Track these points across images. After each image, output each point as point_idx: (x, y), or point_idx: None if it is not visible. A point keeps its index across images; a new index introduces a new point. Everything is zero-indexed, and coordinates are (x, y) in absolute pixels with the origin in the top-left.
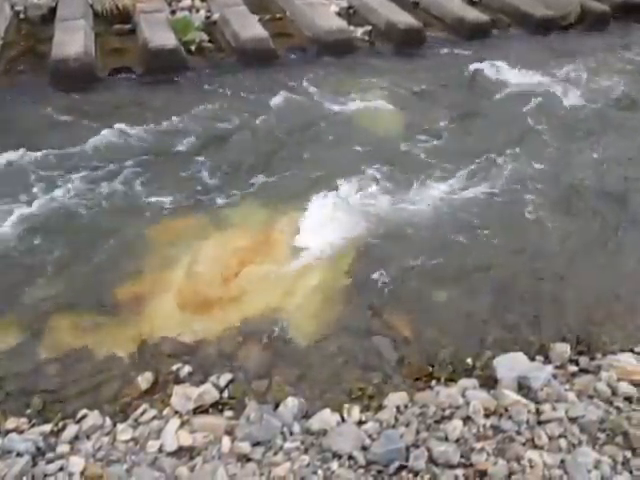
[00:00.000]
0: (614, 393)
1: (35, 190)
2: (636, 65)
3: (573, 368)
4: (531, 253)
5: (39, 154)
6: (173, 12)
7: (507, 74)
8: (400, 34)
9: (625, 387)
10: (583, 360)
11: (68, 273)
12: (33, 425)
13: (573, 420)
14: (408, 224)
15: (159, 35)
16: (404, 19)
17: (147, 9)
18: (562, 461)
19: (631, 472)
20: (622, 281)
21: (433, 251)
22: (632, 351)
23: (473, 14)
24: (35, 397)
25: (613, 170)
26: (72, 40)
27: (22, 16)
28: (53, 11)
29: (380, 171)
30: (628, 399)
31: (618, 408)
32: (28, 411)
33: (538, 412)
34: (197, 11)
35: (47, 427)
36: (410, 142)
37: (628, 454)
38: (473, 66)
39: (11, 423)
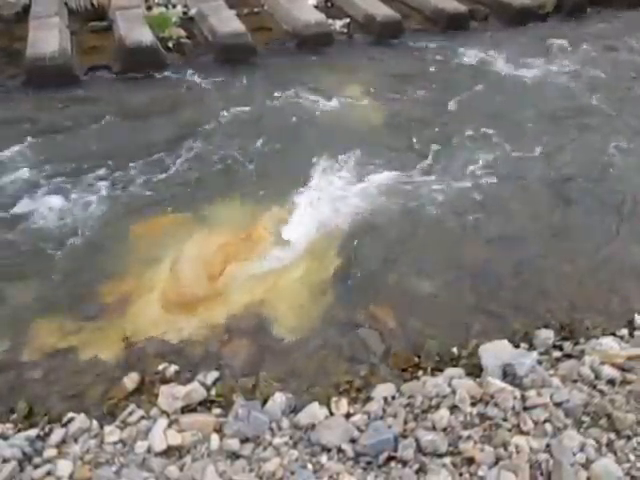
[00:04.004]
0: (597, 377)
1: (10, 191)
2: (613, 50)
3: (557, 354)
4: (513, 241)
5: (15, 152)
6: (149, 8)
7: (485, 63)
8: (379, 26)
9: (608, 370)
10: (567, 345)
11: (50, 275)
12: (19, 430)
13: (558, 405)
14: (391, 217)
15: (136, 32)
16: (382, 11)
17: (123, 5)
18: (548, 445)
19: (615, 453)
20: (602, 266)
21: (416, 242)
22: (614, 335)
23: (451, 5)
24: (20, 402)
25: (595, 156)
26: (47, 38)
27: None
28: (27, 9)
29: (362, 165)
30: (611, 382)
31: (602, 391)
32: (13, 416)
33: (523, 398)
34: (174, 6)
35: (33, 432)
36: (391, 134)
37: (612, 436)
38: (451, 56)
39: None
